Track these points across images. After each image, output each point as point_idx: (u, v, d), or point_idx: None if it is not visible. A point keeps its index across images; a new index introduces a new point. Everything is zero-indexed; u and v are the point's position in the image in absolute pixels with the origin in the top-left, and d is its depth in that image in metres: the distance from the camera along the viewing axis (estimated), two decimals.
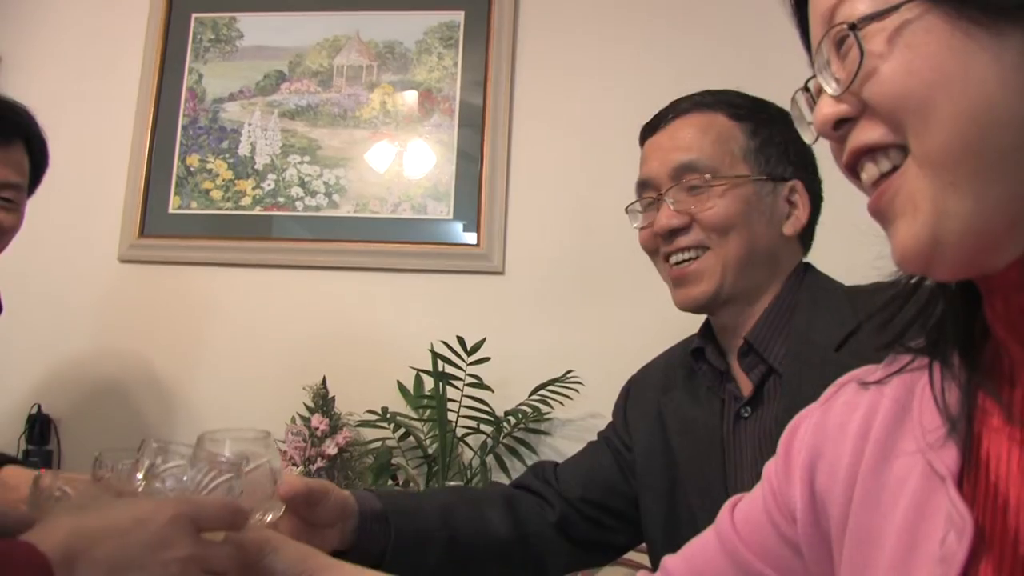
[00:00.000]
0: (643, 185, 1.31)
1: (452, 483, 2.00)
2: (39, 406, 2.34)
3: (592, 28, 2.38)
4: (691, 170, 1.24)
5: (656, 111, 1.36)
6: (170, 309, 2.38)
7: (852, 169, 0.64)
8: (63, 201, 2.41)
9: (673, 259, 1.26)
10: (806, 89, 0.69)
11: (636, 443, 1.37)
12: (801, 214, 1.26)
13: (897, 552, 0.63)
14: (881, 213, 0.62)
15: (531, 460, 2.04)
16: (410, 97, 2.38)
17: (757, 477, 0.86)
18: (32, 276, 2.38)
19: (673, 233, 1.25)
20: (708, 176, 1.23)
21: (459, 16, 2.38)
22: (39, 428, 2.32)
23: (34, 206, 2.41)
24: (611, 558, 1.49)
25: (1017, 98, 0.54)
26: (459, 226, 2.30)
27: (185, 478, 0.82)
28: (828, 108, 0.62)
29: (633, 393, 1.45)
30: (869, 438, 0.70)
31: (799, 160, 1.27)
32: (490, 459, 2.11)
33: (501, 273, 2.29)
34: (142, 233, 2.40)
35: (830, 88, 0.62)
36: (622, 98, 2.32)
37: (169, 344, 2.36)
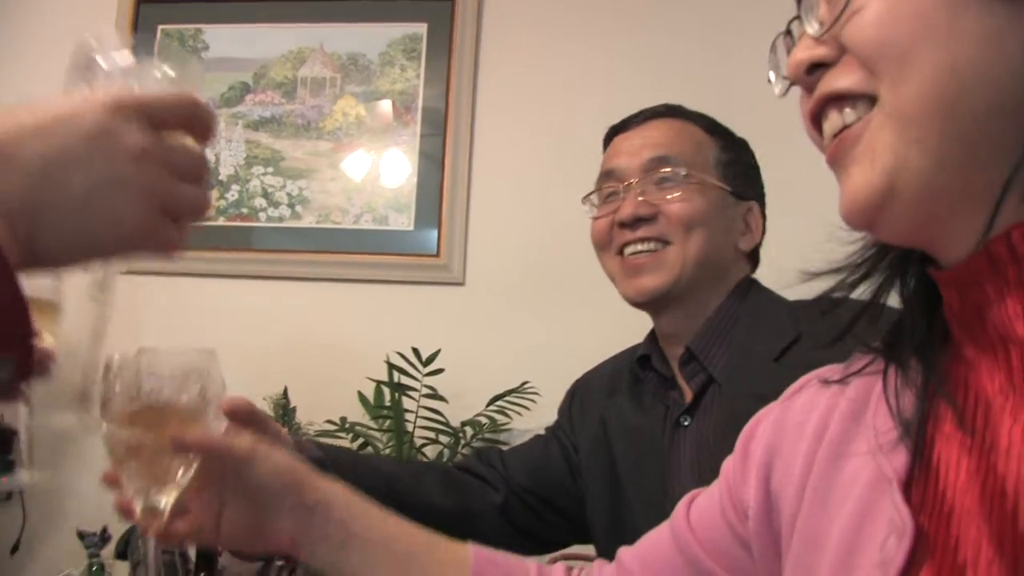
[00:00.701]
0: (607, 175, 1.36)
1: None
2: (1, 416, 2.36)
3: (555, 40, 2.44)
4: (665, 164, 1.29)
5: (617, 117, 1.43)
6: (132, 319, 2.41)
7: (816, 119, 0.62)
8: None
9: (629, 249, 1.29)
10: (788, 33, 0.66)
11: (580, 446, 1.42)
12: (756, 234, 1.34)
13: (839, 554, 0.63)
14: (837, 160, 0.60)
15: None
16: (373, 108, 2.42)
17: (694, 484, 0.89)
18: None
19: (637, 222, 1.27)
20: (682, 172, 1.28)
21: (422, 28, 2.43)
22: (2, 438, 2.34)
23: None
24: (547, 551, 1.53)
25: (999, 62, 0.53)
26: (420, 237, 2.34)
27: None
28: (804, 51, 0.61)
29: (578, 396, 1.50)
30: (824, 438, 0.69)
31: (758, 187, 1.37)
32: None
33: (461, 284, 2.34)
34: None
35: (811, 29, 0.60)
36: (584, 109, 2.37)
37: (132, 351, 2.39)
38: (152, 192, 0.57)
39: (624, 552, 0.87)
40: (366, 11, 2.47)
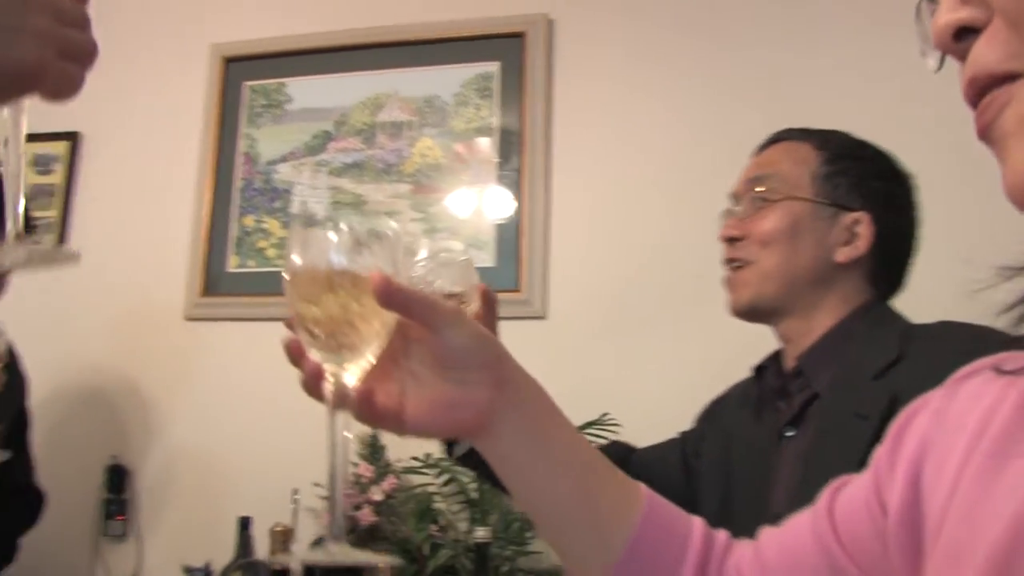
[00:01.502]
0: (732, 196, 1.48)
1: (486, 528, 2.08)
2: (116, 457, 2.55)
3: (627, 67, 2.48)
4: (758, 184, 1.39)
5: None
6: (233, 364, 2.57)
7: (973, 101, 0.53)
8: (134, 264, 2.68)
9: (728, 267, 1.42)
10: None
11: (704, 452, 1.50)
12: (860, 245, 1.35)
13: (989, 572, 0.54)
14: (987, 131, 0.51)
15: None
16: (449, 149, 2.50)
17: (791, 497, 0.92)
18: (105, 335, 2.62)
19: (730, 241, 1.41)
20: (768, 190, 1.38)
21: (494, 67, 2.52)
22: (116, 478, 2.53)
23: (107, 268, 2.66)
24: None
25: None
26: (501, 273, 2.40)
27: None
28: (947, 14, 0.51)
29: (714, 404, 1.58)
30: (986, 434, 0.60)
31: (873, 196, 1.37)
32: None
33: (543, 318, 2.38)
34: (205, 292, 2.60)
35: None
36: (660, 136, 2.41)
37: (232, 398, 2.54)
38: (45, 36, 0.66)
39: (765, 532, 0.84)
40: (439, 54, 2.57)
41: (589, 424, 2.16)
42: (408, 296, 0.73)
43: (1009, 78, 0.48)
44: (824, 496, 0.79)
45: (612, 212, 2.42)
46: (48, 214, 2.85)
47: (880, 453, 0.74)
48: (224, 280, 2.62)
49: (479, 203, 2.49)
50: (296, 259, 0.75)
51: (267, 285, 2.58)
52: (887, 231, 1.36)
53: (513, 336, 2.35)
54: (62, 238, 2.81)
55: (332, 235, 0.74)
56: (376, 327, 0.75)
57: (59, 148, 2.87)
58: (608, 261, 2.40)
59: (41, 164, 2.89)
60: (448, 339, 0.75)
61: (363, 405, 0.76)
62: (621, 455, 1.57)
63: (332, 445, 0.75)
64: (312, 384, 0.77)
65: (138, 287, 2.70)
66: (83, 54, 0.71)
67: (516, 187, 2.45)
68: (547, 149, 2.45)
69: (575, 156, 2.46)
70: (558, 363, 2.36)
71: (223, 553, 2.18)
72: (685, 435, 1.58)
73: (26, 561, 2.31)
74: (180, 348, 2.63)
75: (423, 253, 1.31)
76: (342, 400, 0.75)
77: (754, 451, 1.37)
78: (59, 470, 2.50)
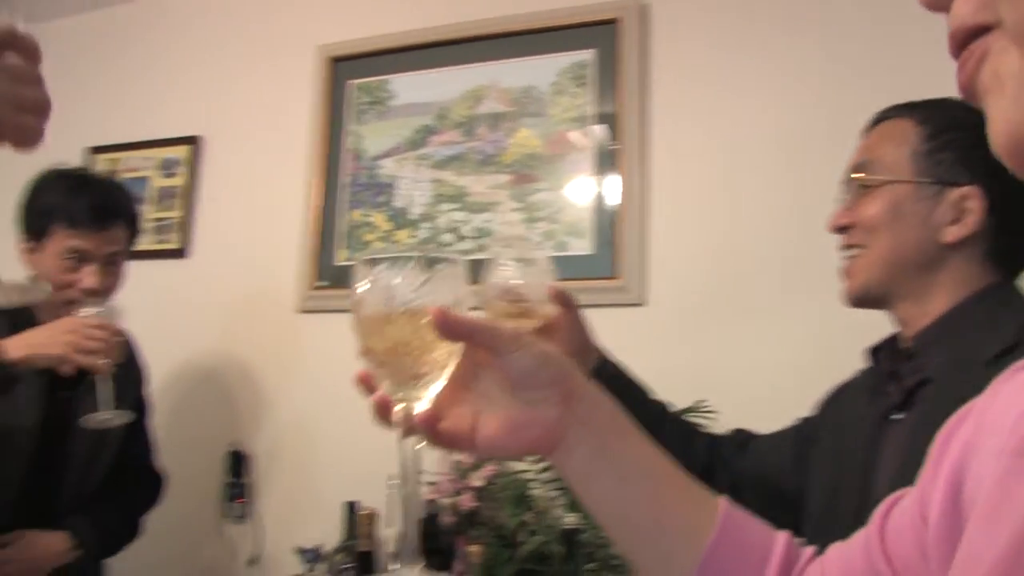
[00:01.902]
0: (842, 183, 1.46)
1: (576, 515, 2.10)
2: (235, 443, 2.70)
3: (723, 50, 2.46)
4: (860, 170, 1.37)
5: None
6: (342, 354, 2.66)
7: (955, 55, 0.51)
8: (250, 259, 2.82)
9: (843, 255, 1.39)
10: None
11: (819, 440, 1.47)
12: (970, 221, 1.27)
13: None
14: (968, 87, 0.51)
15: None
16: (546, 138, 2.54)
17: (891, 482, 0.92)
18: (223, 327, 2.77)
19: (842, 230, 1.39)
20: (867, 175, 1.35)
21: (589, 54, 2.53)
22: (236, 463, 2.68)
23: (225, 263, 2.81)
24: None
25: None
26: (599, 260, 2.42)
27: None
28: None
29: (835, 392, 1.55)
30: (1015, 432, 0.57)
31: (982, 168, 1.27)
32: None
33: (641, 304, 2.39)
34: (315, 285, 2.71)
35: None
36: (758, 118, 2.38)
37: (340, 386, 2.63)
38: (1, 96, 0.79)
39: (832, 548, 0.82)
40: (535, 44, 2.61)
41: (685, 411, 2.16)
42: (467, 326, 0.76)
43: (983, 30, 0.47)
44: (877, 512, 0.77)
45: (710, 197, 2.41)
46: (173, 214, 3.03)
47: (927, 463, 0.71)
48: (333, 272, 2.73)
49: (577, 192, 2.51)
50: (361, 293, 0.80)
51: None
52: (1002, 204, 1.27)
53: (611, 323, 2.39)
54: (185, 237, 2.99)
55: (394, 270, 0.78)
56: (440, 356, 0.78)
57: (182, 151, 3.06)
58: (707, 246, 2.39)
59: (166, 168, 3.08)
60: (512, 362, 0.77)
61: (432, 431, 0.79)
62: (741, 441, 1.59)
63: (403, 470, 0.80)
64: (382, 413, 0.81)
65: (253, 281, 2.85)
66: (37, 108, 0.84)
67: (613, 174, 2.46)
68: (643, 135, 2.46)
69: (672, 141, 2.46)
70: (656, 350, 2.37)
71: (334, 535, 2.28)
72: (802, 422, 1.56)
73: (160, 541, 2.48)
74: (293, 339, 2.76)
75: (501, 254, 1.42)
76: (411, 427, 0.79)
77: (862, 435, 1.34)
78: (186, 455, 2.67)
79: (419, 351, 0.78)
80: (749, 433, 1.63)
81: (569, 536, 2.00)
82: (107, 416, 1.96)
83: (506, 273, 1.39)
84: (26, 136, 0.82)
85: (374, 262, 0.80)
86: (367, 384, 0.83)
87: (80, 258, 2.04)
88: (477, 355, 0.80)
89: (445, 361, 0.79)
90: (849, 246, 1.36)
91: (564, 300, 1.47)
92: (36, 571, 2.00)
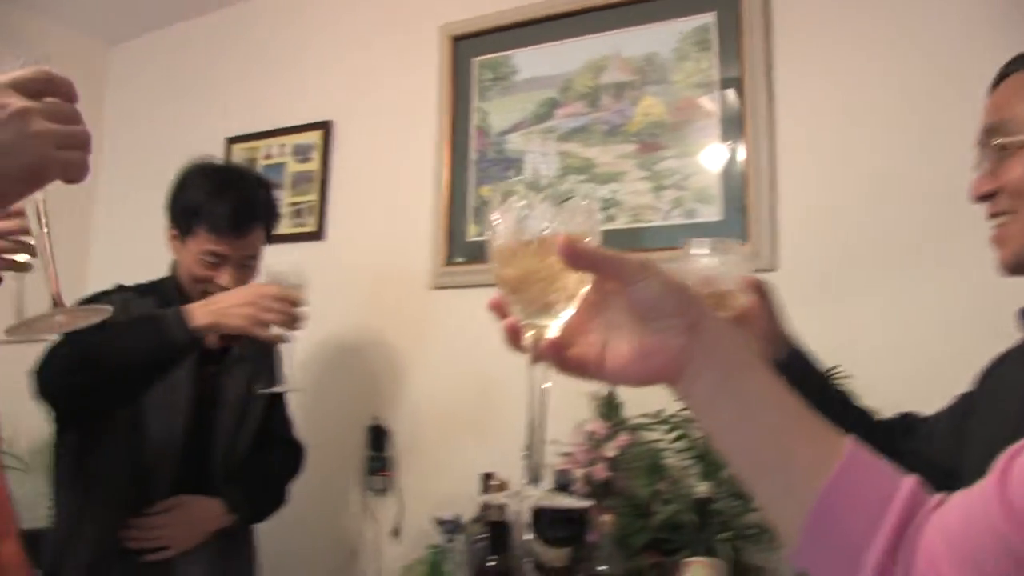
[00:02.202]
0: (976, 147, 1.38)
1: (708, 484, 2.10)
2: (376, 418, 2.79)
3: (846, 8, 2.40)
4: (997, 133, 1.28)
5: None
6: (475, 328, 2.72)
7: None
8: (384, 238, 2.92)
9: (991, 223, 1.32)
10: None
11: (978, 408, 1.43)
12: None
13: None
14: None
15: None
16: (671, 105, 2.52)
17: None
18: (360, 305, 2.86)
19: (984, 198, 1.31)
20: (1010, 139, 1.26)
21: (710, 17, 2.52)
22: (377, 437, 2.78)
23: (360, 243, 2.90)
24: None
25: None
26: (729, 226, 2.41)
27: None
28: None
29: (994, 363, 1.48)
30: None
31: None
32: None
33: (773, 269, 2.36)
34: (448, 261, 2.77)
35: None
36: (888, 75, 2.31)
37: (476, 360, 2.70)
38: (40, 134, 0.84)
39: (956, 494, 0.80)
40: (656, 11, 2.61)
41: None
42: (594, 255, 0.78)
43: None
44: (1005, 454, 0.76)
45: (841, 159, 2.36)
46: (308, 198, 3.15)
47: None
48: (465, 248, 2.80)
49: (704, 158, 2.48)
50: (495, 223, 0.83)
51: None
52: None
53: None
54: (320, 219, 3.11)
55: (526, 202, 0.82)
56: (569, 285, 0.81)
57: (314, 137, 3.17)
58: (838, 209, 2.34)
59: (300, 153, 3.20)
60: (639, 291, 0.78)
61: (560, 357, 0.82)
62: (907, 425, 1.55)
63: (532, 395, 0.85)
64: (512, 338, 0.85)
65: (387, 259, 2.95)
66: (79, 143, 0.89)
67: (741, 139, 2.42)
68: (769, 97, 2.43)
69: (798, 102, 2.42)
70: (788, 315, 2.33)
71: (472, 506, 2.34)
72: (961, 398, 1.50)
73: (306, 513, 2.60)
74: (428, 315, 2.84)
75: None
76: (541, 352, 0.83)
77: (1018, 398, 1.30)
78: (329, 430, 2.79)
79: (548, 280, 0.80)
80: (915, 416, 1.58)
81: (702, 505, 2.01)
82: (283, 387, 2.12)
83: (702, 262, 1.43)
84: (72, 170, 0.88)
85: (509, 195, 0.83)
86: (500, 310, 0.86)
87: (218, 261, 2.18)
88: (606, 284, 0.81)
89: (574, 290, 0.81)
90: (996, 214, 1.28)
91: (759, 289, 1.48)
92: (195, 534, 2.15)
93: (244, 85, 3.48)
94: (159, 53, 3.82)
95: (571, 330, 0.83)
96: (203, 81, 3.60)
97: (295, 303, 2.02)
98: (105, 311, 1.02)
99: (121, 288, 2.24)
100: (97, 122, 3.89)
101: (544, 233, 0.80)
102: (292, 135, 3.24)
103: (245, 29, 3.54)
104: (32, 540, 2.07)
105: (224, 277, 2.17)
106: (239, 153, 3.34)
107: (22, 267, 1.56)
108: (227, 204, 2.18)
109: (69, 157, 0.87)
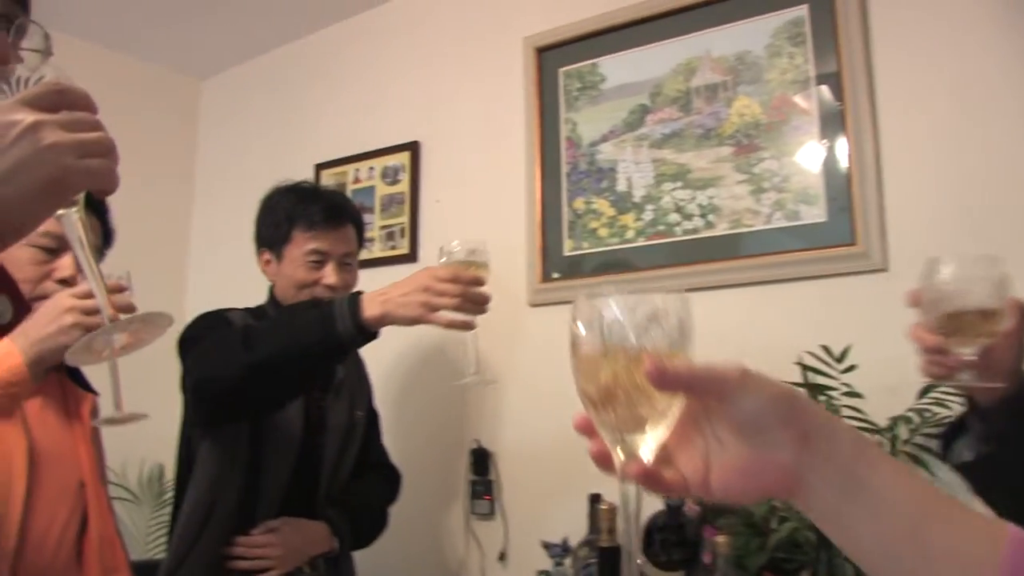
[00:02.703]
0: None
1: None
2: (478, 441, 2.77)
3: None
4: None
5: None
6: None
7: None
8: None
9: None
10: None
11: None
12: None
13: None
14: None
15: (938, 467, 1.99)
16: (767, 104, 2.44)
17: None
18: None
19: None
20: None
21: (803, 10, 2.45)
22: (480, 460, 2.75)
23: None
24: None
25: None
26: (835, 227, 2.32)
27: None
28: None
29: None
30: None
31: None
32: None
33: (884, 270, 2.26)
34: (544, 278, 2.73)
35: None
36: (998, 61, 2.20)
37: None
38: (56, 145, 0.80)
39: None
40: (745, 7, 2.55)
41: (932, 387, 2.02)
42: (686, 376, 0.72)
43: None
44: None
45: (951, 151, 2.25)
46: (399, 221, 3.15)
47: None
48: (561, 264, 2.76)
49: (804, 157, 2.40)
50: (577, 331, 0.78)
51: (603, 264, 2.70)
52: None
53: (851, 292, 2.28)
54: (413, 240, 3.11)
55: (613, 308, 0.75)
56: (661, 402, 0.74)
57: (403, 158, 3.18)
58: (952, 202, 2.23)
59: (388, 176, 3.22)
60: (739, 405, 0.73)
61: (655, 482, 0.75)
62: None
63: (626, 514, 0.78)
64: (602, 463, 0.78)
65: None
66: (101, 150, 0.85)
67: (842, 135, 2.33)
68: (870, 86, 2.32)
69: (902, 94, 2.32)
70: (901, 318, 2.22)
71: (579, 529, 2.29)
72: None
73: (410, 539, 2.58)
74: (527, 333, 2.80)
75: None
76: (635, 478, 0.75)
77: None
78: (431, 454, 2.77)
79: (638, 397, 0.74)
80: None
81: None
82: (471, 378, 2.04)
83: (959, 276, 1.36)
84: (98, 179, 0.85)
85: (592, 298, 0.77)
86: (587, 430, 0.80)
87: (320, 260, 2.23)
88: (703, 397, 0.76)
89: (667, 407, 0.75)
90: None
91: (1021, 311, 1.37)
92: (299, 556, 2.17)
93: (330, 110, 3.52)
94: (248, 85, 3.90)
95: (668, 447, 0.76)
96: (291, 109, 3.65)
97: (474, 283, 1.93)
98: (166, 317, 0.97)
99: (227, 311, 2.27)
100: (190, 155, 3.99)
101: (630, 346, 0.74)
102: (380, 157, 3.26)
103: (329, 55, 3.58)
104: (146, 572, 2.11)
105: (330, 275, 2.22)
106: (328, 179, 3.37)
107: None
108: (318, 203, 2.27)
109: (91, 165, 0.84)
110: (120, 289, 1.57)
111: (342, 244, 2.27)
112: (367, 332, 1.84)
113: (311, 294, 2.21)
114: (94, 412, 1.83)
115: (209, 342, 1.98)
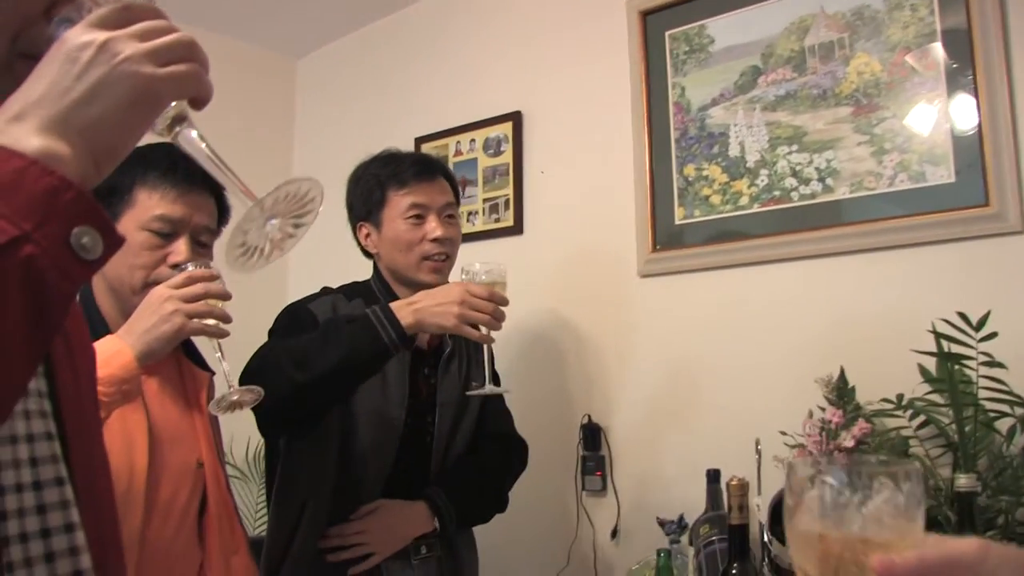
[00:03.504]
0: None
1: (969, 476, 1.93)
2: (589, 416, 2.74)
3: None
4: None
5: None
6: (687, 315, 2.63)
7: None
8: (586, 228, 2.87)
9: None
10: None
11: None
12: None
13: None
14: None
15: None
16: (887, 60, 2.35)
17: None
18: (567, 299, 2.83)
19: None
20: None
21: None
22: (591, 435, 2.72)
23: (562, 235, 2.86)
24: None
25: None
26: (964, 187, 2.23)
27: None
28: None
29: None
30: None
31: None
32: None
33: (1021, 233, 2.15)
34: (655, 247, 2.68)
35: None
36: None
37: (688, 349, 2.61)
38: (135, 56, 0.75)
39: None
40: None
41: None
42: (917, 569, 0.68)
43: None
44: None
45: None
46: (502, 193, 3.13)
47: None
48: (673, 233, 2.71)
49: (929, 115, 2.29)
50: (794, 503, 0.74)
51: (715, 233, 2.63)
52: None
53: (985, 257, 2.18)
54: (518, 212, 3.08)
55: (833, 483, 0.71)
56: None
57: (505, 129, 3.15)
58: None
59: (490, 147, 3.19)
60: None
61: None
62: None
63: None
64: None
65: (591, 250, 2.88)
66: (183, 52, 0.79)
67: (972, 90, 2.23)
68: (1004, 38, 2.21)
69: None
70: None
71: (693, 505, 2.24)
72: None
73: (523, 516, 2.57)
74: (638, 305, 2.77)
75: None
76: None
77: None
78: (543, 430, 2.74)
79: None
80: None
81: (964, 500, 1.82)
82: (487, 387, 2.07)
83: None
84: (185, 84, 0.79)
85: (809, 468, 0.73)
86: None
87: (421, 214, 2.22)
88: None
89: None
90: None
91: None
92: (399, 539, 2.15)
93: (429, 82, 3.50)
94: (344, 61, 3.91)
95: None
96: (388, 83, 3.65)
97: (503, 302, 2.02)
98: (308, 182, 0.89)
99: (326, 291, 2.29)
100: (289, 133, 4.02)
101: (855, 531, 0.69)
102: (481, 129, 3.24)
103: (425, 27, 3.56)
104: (258, 548, 2.14)
105: (434, 227, 2.21)
106: (428, 151, 3.34)
107: (216, 333, 1.59)
108: (406, 160, 2.29)
109: (175, 71, 0.78)
110: (213, 277, 1.60)
111: (439, 195, 2.25)
112: (406, 340, 1.94)
113: (421, 253, 2.20)
114: (210, 392, 1.85)
115: (257, 360, 2.00)
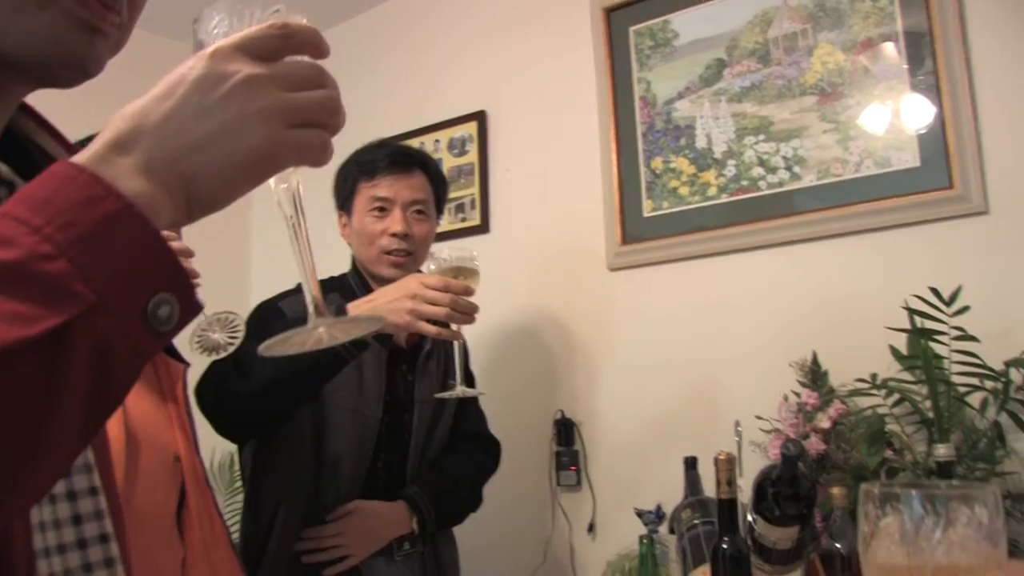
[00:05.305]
0: None
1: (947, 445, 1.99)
2: (562, 412, 2.78)
3: None
4: None
5: None
6: (656, 307, 2.68)
7: None
8: (554, 225, 2.90)
9: None
10: None
11: None
12: None
13: None
14: None
15: None
16: (850, 49, 2.43)
17: None
18: (536, 296, 2.85)
19: None
20: None
21: None
22: (564, 431, 2.76)
23: (529, 233, 2.89)
24: None
25: None
26: (929, 172, 2.31)
27: None
28: None
29: None
30: None
31: None
32: (1004, 418, 2.05)
33: (984, 212, 2.24)
34: (624, 241, 2.73)
35: None
36: None
37: (659, 340, 2.65)
38: (269, 110, 0.65)
39: None
40: None
41: None
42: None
43: None
44: None
45: None
46: (469, 192, 3.16)
47: None
48: (642, 226, 2.76)
49: (893, 102, 2.38)
50: (872, 533, 0.73)
51: (684, 224, 2.69)
52: None
53: (949, 238, 2.26)
54: (484, 211, 3.11)
55: (908, 511, 0.70)
56: None
57: (469, 128, 3.19)
58: None
59: (455, 147, 3.22)
60: None
61: None
62: None
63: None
64: None
65: (560, 246, 2.92)
66: (323, 114, 0.69)
67: (933, 77, 2.33)
68: (962, 27, 2.30)
69: (996, 27, 2.28)
70: (1004, 262, 2.21)
71: (670, 494, 2.28)
72: None
73: (498, 513, 2.58)
74: (608, 298, 2.81)
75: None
76: None
77: None
78: (515, 427, 2.77)
79: None
80: None
81: (944, 470, 1.88)
82: (458, 390, 2.01)
83: None
84: (308, 155, 0.69)
85: (887, 500, 0.72)
86: None
87: (383, 207, 2.20)
88: None
89: None
90: None
91: None
92: (376, 540, 2.13)
93: (393, 85, 3.53)
94: None
95: None
96: (352, 86, 3.62)
97: (464, 292, 1.90)
98: (378, 320, 0.83)
99: (281, 300, 2.22)
100: None
101: (936, 560, 0.69)
102: (446, 129, 3.28)
103: (388, 29, 3.60)
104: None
105: (394, 222, 2.18)
106: None
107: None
108: (383, 150, 2.26)
109: (303, 138, 0.68)
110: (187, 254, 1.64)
111: (407, 191, 2.21)
112: (359, 342, 1.83)
113: (380, 247, 2.18)
114: (185, 384, 1.84)
115: (207, 371, 1.97)
